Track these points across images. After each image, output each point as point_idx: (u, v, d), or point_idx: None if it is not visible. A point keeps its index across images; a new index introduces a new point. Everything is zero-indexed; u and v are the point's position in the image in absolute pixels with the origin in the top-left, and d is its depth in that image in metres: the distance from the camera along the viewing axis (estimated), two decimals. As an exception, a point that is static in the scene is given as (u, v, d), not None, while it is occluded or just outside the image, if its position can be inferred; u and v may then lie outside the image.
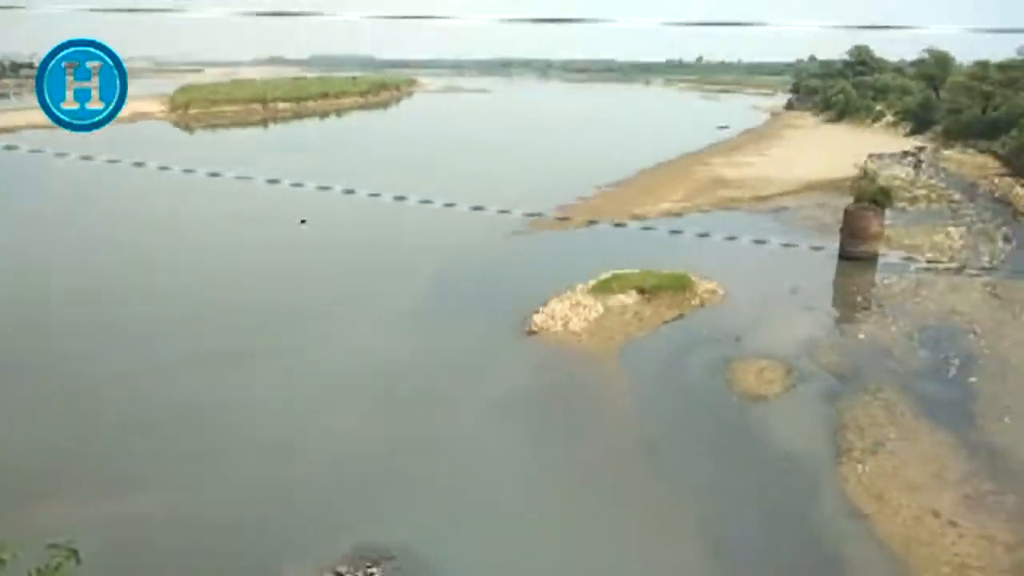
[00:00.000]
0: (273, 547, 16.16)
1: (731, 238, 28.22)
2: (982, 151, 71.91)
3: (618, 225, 38.12)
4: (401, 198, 30.88)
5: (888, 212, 42.10)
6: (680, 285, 32.11)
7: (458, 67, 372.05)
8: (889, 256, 38.41)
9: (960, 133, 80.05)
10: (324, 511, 17.42)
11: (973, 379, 24.97)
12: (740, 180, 61.78)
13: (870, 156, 68.57)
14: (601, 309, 29.48)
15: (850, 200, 39.59)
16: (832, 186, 54.68)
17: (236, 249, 40.65)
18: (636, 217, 46.29)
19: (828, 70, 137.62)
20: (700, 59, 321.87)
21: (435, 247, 38.74)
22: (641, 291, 31.09)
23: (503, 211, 27.31)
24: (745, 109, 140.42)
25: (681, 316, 30.46)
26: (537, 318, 28.83)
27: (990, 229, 45.27)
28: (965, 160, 71.35)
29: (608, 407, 23.14)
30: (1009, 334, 28.68)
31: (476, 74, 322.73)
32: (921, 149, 78.85)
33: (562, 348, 27.04)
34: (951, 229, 44.65)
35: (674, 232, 33.65)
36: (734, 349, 26.99)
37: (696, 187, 58.72)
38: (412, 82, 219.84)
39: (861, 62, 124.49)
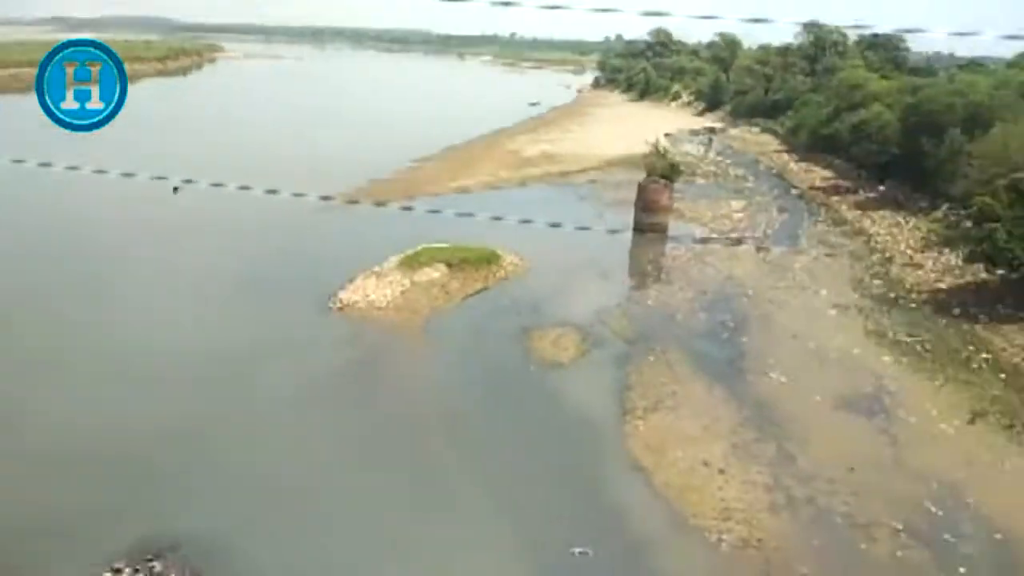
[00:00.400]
0: (47, 548, 15.07)
1: (526, 221, 29.21)
2: (764, 130, 78.51)
3: (405, 208, 38.08)
4: (189, 181, 29.27)
5: (680, 186, 45.24)
6: (487, 259, 32.87)
7: (266, 34, 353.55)
8: (679, 227, 41.34)
9: (746, 113, 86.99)
10: (109, 504, 16.43)
11: (744, 338, 27.52)
12: (548, 156, 63.75)
13: (666, 134, 72.83)
14: (408, 283, 29.61)
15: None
16: (632, 162, 57.56)
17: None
18: (449, 191, 46.66)
19: (632, 50, 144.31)
20: (514, 35, 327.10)
21: (244, 227, 36.96)
22: (449, 265, 31.50)
23: (297, 194, 26.60)
24: (555, 86, 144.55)
25: (486, 288, 31.23)
26: (343, 294, 28.51)
27: (767, 202, 49.70)
28: (750, 138, 77.64)
29: (411, 379, 23.40)
30: (776, 297, 31.78)
31: (285, 42, 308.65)
32: (712, 128, 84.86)
33: (368, 323, 26.95)
34: (734, 202, 48.58)
35: (462, 215, 34.05)
36: (533, 319, 28.05)
37: (505, 163, 59.95)
38: (214, 49, 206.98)
39: (661, 44, 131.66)
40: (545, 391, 23.12)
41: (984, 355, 26.22)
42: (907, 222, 41.61)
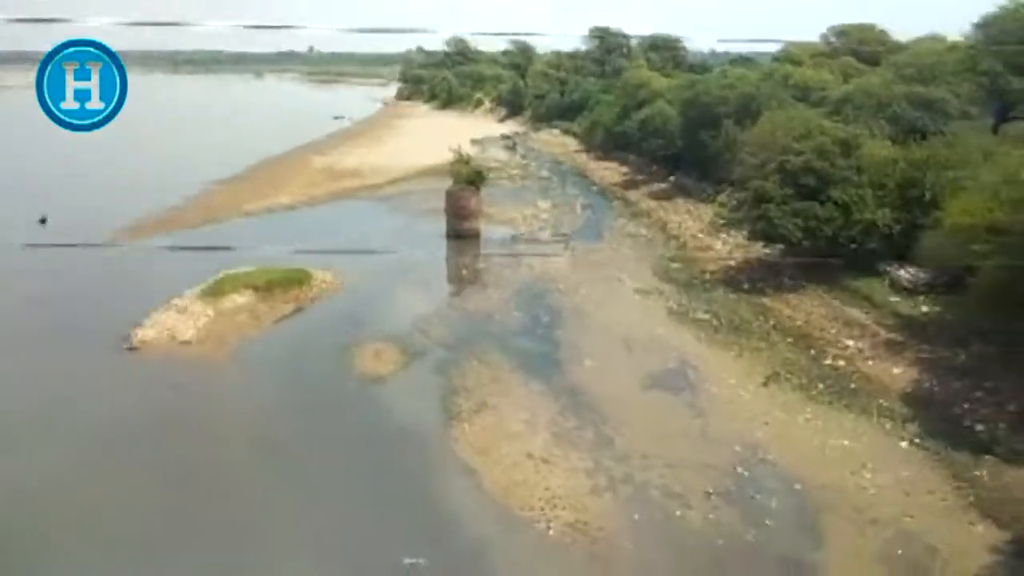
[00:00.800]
0: None
1: (342, 250, 28.62)
2: (564, 131, 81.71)
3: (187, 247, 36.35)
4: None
5: (489, 191, 46.10)
6: (297, 279, 31.85)
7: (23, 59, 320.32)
8: (490, 231, 42.10)
9: (546, 116, 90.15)
10: None
11: (559, 331, 28.45)
12: (356, 169, 62.86)
13: (472, 140, 73.98)
14: (212, 313, 28.09)
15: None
16: (441, 171, 57.78)
17: None
18: (248, 214, 44.82)
19: (433, 60, 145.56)
20: (312, 49, 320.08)
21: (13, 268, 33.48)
22: (256, 289, 30.22)
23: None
24: (360, 99, 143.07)
25: (299, 310, 30.26)
26: (139, 332, 26.55)
27: (571, 199, 51.70)
28: (551, 140, 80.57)
29: (223, 413, 22.19)
30: (585, 289, 33.07)
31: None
32: (516, 133, 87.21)
33: (171, 360, 25.25)
34: (540, 203, 50.13)
35: (222, 248, 33.02)
36: (350, 335, 27.49)
37: (312, 179, 58.51)
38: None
39: (460, 53, 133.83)
40: (367, 407, 22.69)
41: (773, 323, 28.65)
42: (697, 209, 44.80)
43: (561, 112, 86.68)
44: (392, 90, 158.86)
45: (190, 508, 17.64)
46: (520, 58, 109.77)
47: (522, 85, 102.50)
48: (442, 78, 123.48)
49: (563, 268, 35.99)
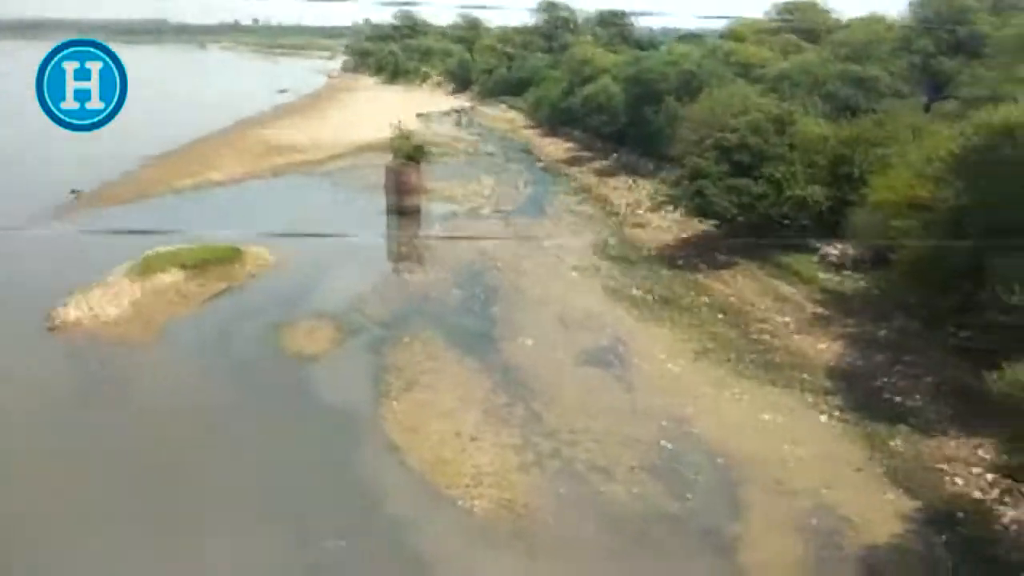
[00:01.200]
0: None
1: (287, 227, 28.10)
2: (511, 107, 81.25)
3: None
4: None
5: (433, 166, 45.73)
6: (229, 257, 31.22)
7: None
8: (432, 207, 41.81)
9: (493, 91, 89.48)
10: None
11: (495, 308, 28.44)
12: (299, 144, 61.62)
13: (418, 115, 73.24)
14: (139, 292, 27.39)
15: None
16: (385, 146, 57.24)
17: None
18: (179, 191, 43.77)
19: (380, 34, 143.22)
20: (257, 21, 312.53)
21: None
22: (185, 267, 29.54)
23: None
24: (305, 72, 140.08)
25: (232, 288, 29.68)
26: (61, 312, 25.79)
27: (516, 175, 51.56)
28: (498, 116, 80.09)
29: (148, 393, 21.73)
30: (525, 266, 33.05)
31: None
32: (462, 108, 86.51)
33: (93, 340, 24.60)
34: (484, 179, 49.88)
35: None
36: (284, 314, 27.10)
37: (253, 154, 57.25)
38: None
39: (408, 26, 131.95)
40: (298, 386, 22.41)
41: (705, 299, 29.02)
42: (639, 185, 45.05)
43: (509, 87, 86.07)
44: (338, 63, 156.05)
45: (108, 485, 17.28)
46: (468, 32, 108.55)
47: (470, 60, 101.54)
48: (389, 51, 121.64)
49: (503, 245, 35.90)
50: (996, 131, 21.18)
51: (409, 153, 41.15)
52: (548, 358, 24.19)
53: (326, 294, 29.44)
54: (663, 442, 19.60)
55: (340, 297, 28.99)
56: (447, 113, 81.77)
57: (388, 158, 42.72)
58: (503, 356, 24.46)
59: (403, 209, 39.94)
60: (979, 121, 22.22)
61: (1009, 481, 17.10)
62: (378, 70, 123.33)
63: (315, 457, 18.83)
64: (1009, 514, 16.43)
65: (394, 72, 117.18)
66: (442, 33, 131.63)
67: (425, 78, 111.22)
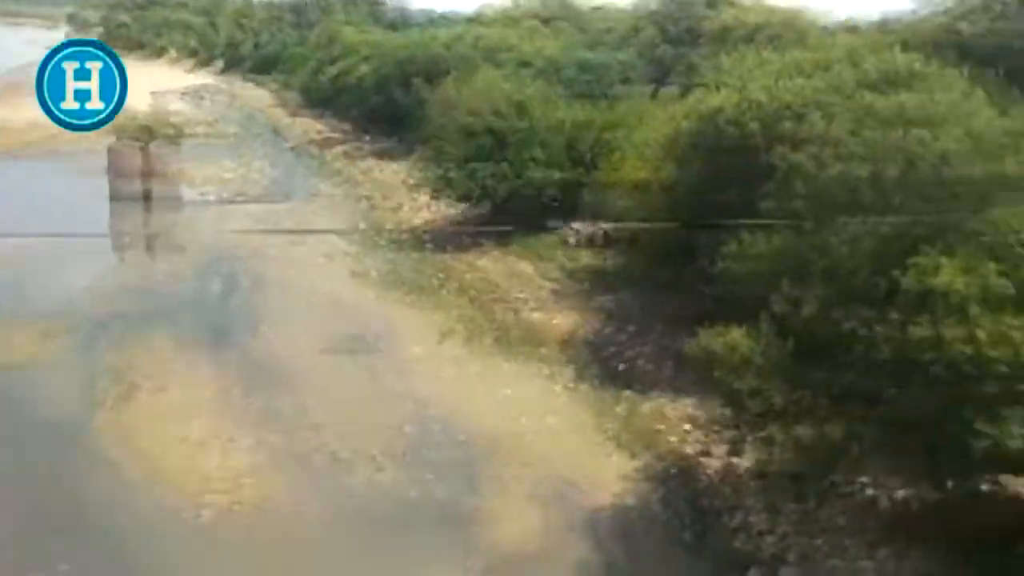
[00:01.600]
0: None
1: None
2: (259, 85, 77.39)
3: None
4: None
5: (169, 148, 42.21)
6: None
7: None
8: (165, 193, 38.67)
9: (239, 68, 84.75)
10: None
11: (235, 299, 26.98)
12: (7, 126, 54.28)
13: (152, 92, 67.31)
14: None
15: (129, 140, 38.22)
16: (113, 125, 52.23)
17: None
18: None
19: (109, 1, 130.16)
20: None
21: None
22: None
23: None
24: (19, 43, 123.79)
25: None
26: None
27: (263, 158, 49.17)
28: (245, 94, 75.93)
29: None
30: (269, 252, 31.46)
31: None
32: (205, 85, 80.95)
33: None
34: (228, 161, 47.05)
35: None
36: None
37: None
38: None
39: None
40: (-3, 401, 19.73)
41: (453, 281, 29.39)
42: (390, 168, 44.72)
43: (257, 64, 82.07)
44: (60, 34, 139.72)
45: None
46: (211, 4, 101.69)
47: (213, 34, 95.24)
48: (119, 23, 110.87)
49: (244, 232, 33.98)
50: (702, 117, 23.29)
51: (136, 134, 37.66)
52: (290, 349, 23.25)
53: (33, 292, 26.37)
54: (406, 427, 19.54)
55: (51, 295, 26.07)
56: (186, 91, 76.02)
57: (112, 139, 38.83)
58: (240, 351, 23.20)
59: (131, 195, 36.57)
60: (686, 108, 24.35)
61: (713, 435, 18.98)
62: (107, 41, 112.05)
63: (19, 483, 16.66)
64: (713, 465, 18.22)
65: (126, 45, 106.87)
66: (182, 3, 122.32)
67: (162, 52, 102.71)
